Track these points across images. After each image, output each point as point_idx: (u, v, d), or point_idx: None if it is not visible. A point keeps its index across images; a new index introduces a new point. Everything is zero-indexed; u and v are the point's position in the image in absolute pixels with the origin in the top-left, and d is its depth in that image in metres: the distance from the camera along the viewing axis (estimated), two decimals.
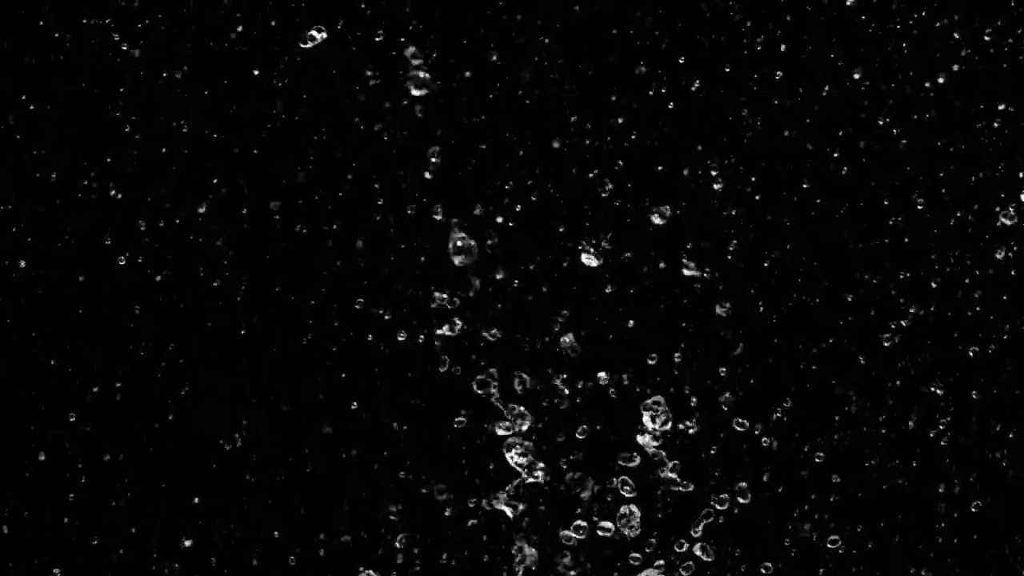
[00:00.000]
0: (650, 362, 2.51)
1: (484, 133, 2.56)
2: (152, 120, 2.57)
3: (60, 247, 2.60)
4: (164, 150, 2.57)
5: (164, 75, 2.56)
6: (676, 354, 2.54)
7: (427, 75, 2.39)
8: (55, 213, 2.59)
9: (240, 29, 2.56)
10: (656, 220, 2.52)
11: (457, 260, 2.41)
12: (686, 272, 2.51)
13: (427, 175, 2.47)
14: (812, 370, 2.60)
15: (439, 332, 2.48)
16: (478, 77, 2.55)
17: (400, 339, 2.54)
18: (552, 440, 2.49)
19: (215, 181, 2.57)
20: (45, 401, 2.60)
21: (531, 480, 2.47)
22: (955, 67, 2.57)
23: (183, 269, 2.59)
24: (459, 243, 2.39)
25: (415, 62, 2.38)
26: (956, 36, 2.56)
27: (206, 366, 2.60)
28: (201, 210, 2.57)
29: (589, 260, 2.51)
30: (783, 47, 2.57)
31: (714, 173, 2.55)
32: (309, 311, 2.59)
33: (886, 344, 2.58)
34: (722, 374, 2.55)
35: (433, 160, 2.46)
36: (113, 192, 2.58)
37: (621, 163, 2.55)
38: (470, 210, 2.49)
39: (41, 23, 2.58)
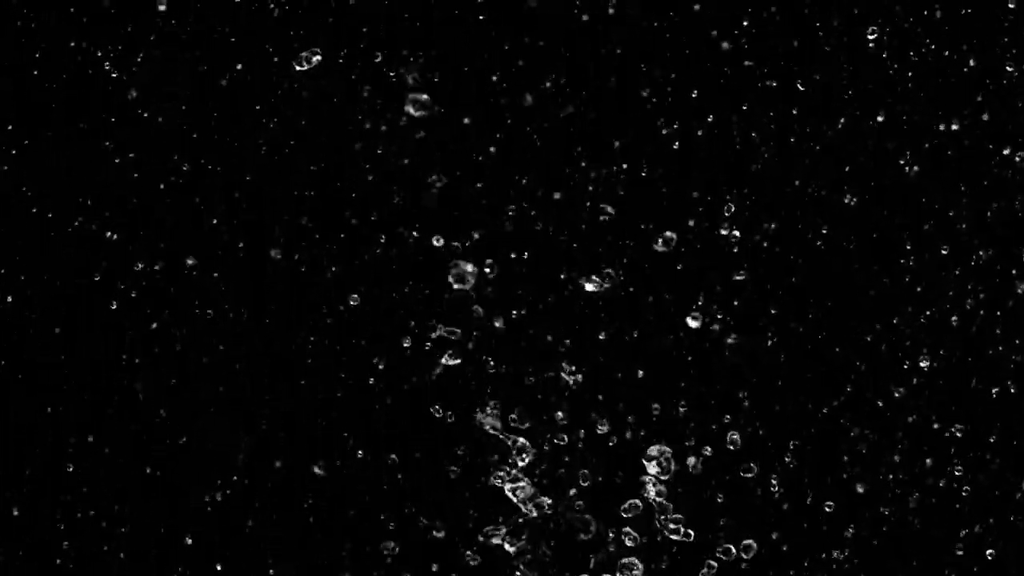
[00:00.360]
0: (654, 410, 2.48)
1: (485, 158, 2.52)
2: (148, 152, 2.55)
3: (56, 281, 2.58)
4: (162, 186, 2.55)
5: (160, 107, 2.54)
6: (682, 403, 2.51)
7: (426, 97, 2.36)
8: (49, 249, 2.57)
9: (236, 56, 2.53)
10: (660, 247, 2.48)
11: (457, 287, 2.38)
12: (692, 323, 2.48)
13: (427, 200, 2.44)
14: (823, 413, 2.56)
15: (441, 362, 2.45)
16: (479, 100, 2.52)
17: (399, 370, 2.52)
18: (553, 476, 2.47)
19: (214, 221, 2.55)
20: (31, 452, 2.60)
21: (532, 515, 2.45)
22: (972, 102, 2.54)
23: (179, 303, 2.58)
24: (459, 269, 2.36)
25: (412, 82, 2.36)
26: (972, 64, 2.52)
27: (201, 403, 2.58)
28: (190, 262, 2.55)
29: (591, 286, 2.47)
30: (799, 83, 2.53)
31: (727, 213, 2.52)
32: (307, 343, 2.57)
33: (898, 395, 2.54)
34: (727, 421, 2.52)
35: (433, 185, 2.43)
36: (109, 233, 2.56)
37: (623, 192, 2.52)
38: (470, 235, 2.47)
39: (37, 54, 2.56)
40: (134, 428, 2.58)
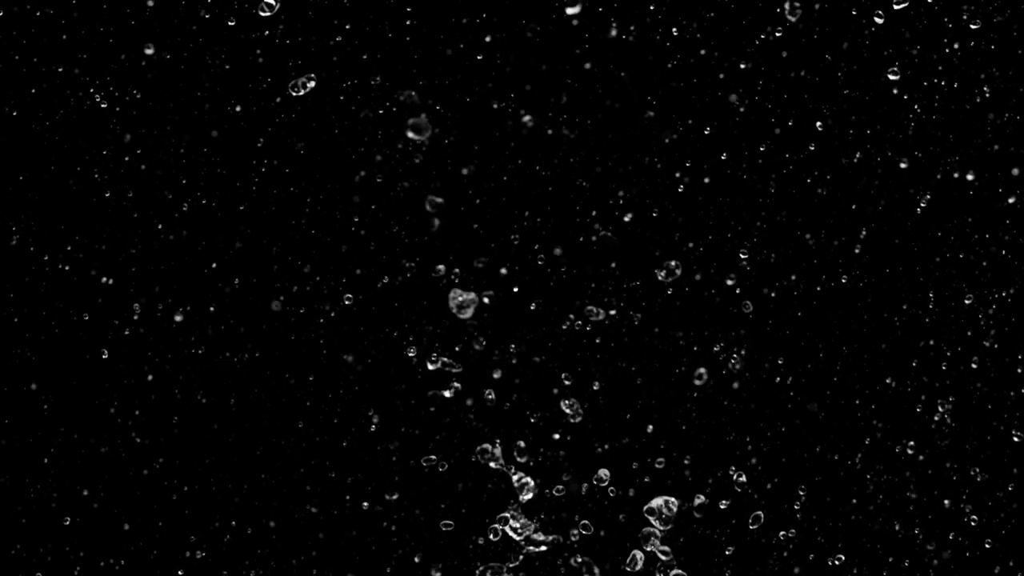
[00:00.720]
0: (658, 465, 2.45)
1: (485, 183, 2.50)
2: (144, 192, 2.53)
3: (51, 322, 2.58)
4: (160, 226, 2.53)
5: (154, 143, 2.52)
6: (687, 456, 2.47)
7: (425, 119, 2.33)
8: (46, 292, 2.57)
9: (230, 84, 2.50)
10: (662, 277, 2.44)
11: (458, 314, 2.36)
12: (697, 383, 2.44)
13: (428, 225, 2.43)
14: (835, 459, 2.52)
15: (440, 394, 2.44)
16: (482, 127, 2.49)
17: (397, 404, 2.51)
18: (556, 513, 2.45)
19: (213, 265, 2.53)
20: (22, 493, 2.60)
21: (534, 551, 2.43)
22: (990, 141, 2.49)
23: (177, 346, 2.56)
24: (460, 297, 2.34)
25: (410, 102, 2.33)
26: (991, 103, 2.47)
27: (197, 444, 2.57)
28: (179, 317, 2.53)
29: (595, 315, 2.44)
30: (819, 124, 2.49)
31: (743, 254, 2.48)
32: (307, 364, 2.57)
33: (913, 441, 2.49)
34: (732, 467, 2.48)
35: (433, 210, 2.39)
36: (106, 278, 2.55)
37: (629, 218, 2.49)
38: (471, 263, 2.46)
39: (34, 90, 2.54)
40: (124, 476, 2.58)
